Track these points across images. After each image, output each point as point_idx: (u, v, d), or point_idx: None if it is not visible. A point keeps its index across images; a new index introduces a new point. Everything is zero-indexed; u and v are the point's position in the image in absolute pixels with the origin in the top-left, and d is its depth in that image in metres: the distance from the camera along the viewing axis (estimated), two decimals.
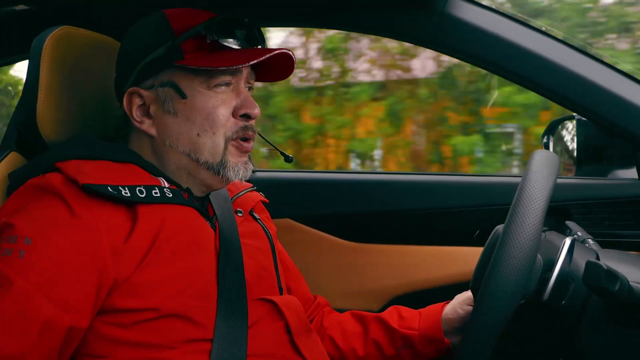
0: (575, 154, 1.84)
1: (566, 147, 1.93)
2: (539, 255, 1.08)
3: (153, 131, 1.23)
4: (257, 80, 1.31)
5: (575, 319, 1.09)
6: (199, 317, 1.12)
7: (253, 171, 1.96)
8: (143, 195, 1.14)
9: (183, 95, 1.20)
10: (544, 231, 1.16)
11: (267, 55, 1.19)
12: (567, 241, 1.09)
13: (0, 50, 1.67)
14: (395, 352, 1.40)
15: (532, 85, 1.51)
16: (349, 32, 1.55)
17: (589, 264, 0.97)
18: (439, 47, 1.53)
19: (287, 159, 1.41)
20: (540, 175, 1.02)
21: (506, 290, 0.96)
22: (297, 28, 6.29)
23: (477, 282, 1.26)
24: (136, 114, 1.23)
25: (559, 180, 1.78)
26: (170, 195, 1.18)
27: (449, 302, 1.42)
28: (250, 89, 1.28)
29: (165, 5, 1.26)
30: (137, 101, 1.23)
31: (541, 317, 1.13)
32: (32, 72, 1.26)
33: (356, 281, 1.85)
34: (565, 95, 1.48)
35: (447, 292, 1.66)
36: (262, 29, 1.28)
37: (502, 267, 0.97)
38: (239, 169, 1.23)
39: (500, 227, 1.19)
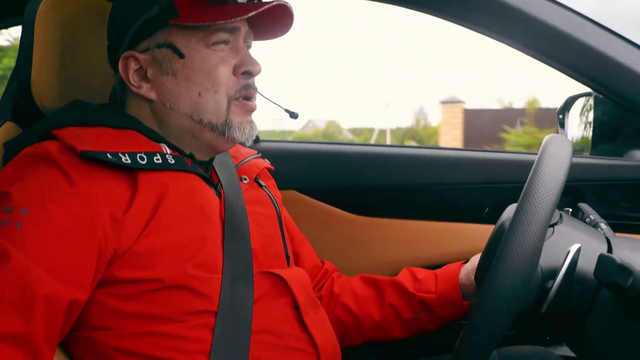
0: (590, 132, 1.80)
1: (581, 125, 1.88)
2: (539, 264, 1.03)
3: (152, 95, 1.20)
4: (255, 39, 1.28)
5: (582, 315, 1.06)
6: (203, 288, 1.10)
7: (259, 140, 1.94)
8: (144, 162, 1.11)
9: (181, 55, 1.17)
10: (554, 224, 1.11)
11: (266, 7, 1.16)
12: (573, 249, 1.04)
13: None
14: (414, 315, 1.38)
15: (545, 59, 1.46)
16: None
17: (601, 258, 0.94)
18: (450, 16, 1.46)
19: (293, 115, 1.38)
20: (547, 181, 0.97)
21: (502, 307, 0.93)
22: None
23: (481, 274, 1.23)
24: (133, 78, 1.20)
25: (573, 159, 1.74)
26: (173, 162, 1.16)
27: (464, 264, 1.39)
28: (248, 48, 1.25)
29: None
30: (133, 65, 1.20)
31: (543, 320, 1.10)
32: (26, 38, 1.24)
33: (364, 255, 1.83)
34: (582, 70, 1.44)
35: None
36: None
37: (501, 280, 0.93)
38: (245, 128, 1.21)
39: (507, 219, 1.15)
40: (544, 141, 1.06)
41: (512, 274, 0.92)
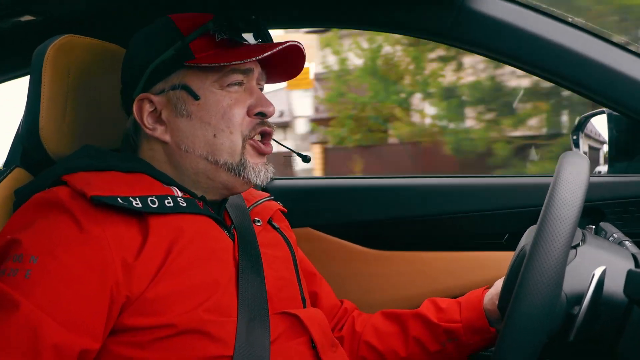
0: (606, 150, 1.77)
1: (597, 144, 1.86)
2: (563, 290, 0.99)
3: (167, 137, 1.20)
4: (266, 82, 1.29)
5: (613, 339, 1.01)
6: (218, 333, 1.07)
7: (271, 179, 1.93)
8: (155, 206, 1.10)
9: (196, 97, 1.17)
10: (576, 246, 1.07)
11: (280, 47, 1.17)
12: (598, 272, 1.00)
13: (6, 64, 1.65)
14: (440, 347, 1.35)
15: (558, 79, 1.44)
16: (363, 30, 1.51)
17: (630, 274, 0.90)
18: (459, 42, 1.47)
19: (305, 159, 1.38)
20: (565, 202, 0.93)
21: (526, 339, 0.89)
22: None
23: (504, 303, 1.19)
24: (147, 121, 1.20)
25: (591, 179, 1.70)
26: (184, 205, 1.14)
27: (487, 289, 1.36)
28: (260, 89, 1.26)
29: (170, 12, 1.24)
30: (147, 107, 1.20)
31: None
32: (34, 83, 1.23)
33: (382, 290, 1.80)
34: (594, 89, 1.42)
35: None
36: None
37: (524, 311, 0.89)
38: (260, 170, 1.21)
39: (527, 243, 1.11)
40: (559, 160, 1.03)
41: (535, 304, 0.88)
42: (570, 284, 1.00)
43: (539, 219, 0.94)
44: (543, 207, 0.94)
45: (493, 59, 1.49)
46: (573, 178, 0.97)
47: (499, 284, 1.33)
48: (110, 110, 1.31)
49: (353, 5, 1.51)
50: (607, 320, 1.00)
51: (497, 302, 1.28)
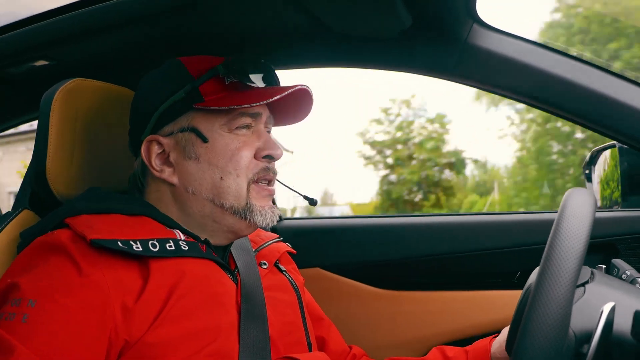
0: (619, 184, 1.74)
1: (609, 178, 1.83)
2: (571, 328, 0.97)
3: (174, 179, 1.20)
4: (274, 125, 1.30)
5: None
6: None
7: (280, 219, 1.92)
8: (156, 249, 1.09)
9: (204, 139, 1.18)
10: (584, 283, 1.05)
11: (289, 91, 1.18)
12: (607, 308, 0.97)
13: (17, 108, 1.67)
14: None
15: (567, 115, 1.43)
16: (363, 68, 1.52)
17: (637, 314, 0.87)
18: (464, 79, 1.47)
19: (312, 202, 1.38)
20: (569, 236, 0.91)
21: None
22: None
23: (510, 344, 1.16)
24: (155, 162, 1.21)
25: (604, 214, 1.68)
26: (186, 248, 1.13)
27: (495, 337, 1.34)
28: (268, 132, 1.26)
29: (177, 55, 1.25)
30: (155, 149, 1.20)
31: None
32: (42, 127, 1.25)
33: (392, 331, 1.77)
34: (603, 123, 1.41)
35: None
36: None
37: (529, 349, 0.86)
38: (266, 213, 1.20)
39: (533, 278, 1.09)
40: (564, 196, 1.01)
41: (541, 342, 0.85)
42: (579, 322, 0.97)
43: (543, 255, 0.92)
44: (548, 240, 0.92)
45: (498, 94, 1.49)
46: (578, 210, 0.95)
47: (506, 331, 1.31)
48: (117, 153, 1.32)
49: (358, 45, 1.52)
50: (621, 357, 0.97)
51: (504, 348, 1.25)
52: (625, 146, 1.66)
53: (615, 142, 1.71)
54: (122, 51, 1.49)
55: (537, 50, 1.43)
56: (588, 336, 0.96)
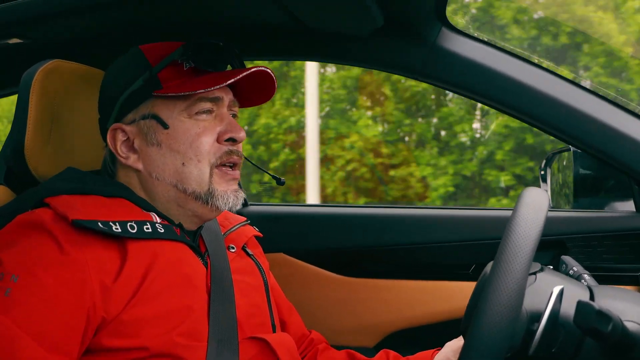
0: (571, 186, 1.82)
1: (563, 180, 1.91)
2: (524, 307, 1.04)
3: (139, 165, 1.22)
4: (240, 106, 1.30)
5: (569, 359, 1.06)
6: (189, 357, 1.09)
7: (247, 204, 1.95)
8: (134, 231, 1.12)
9: (165, 126, 1.20)
10: (535, 272, 1.12)
11: (245, 73, 1.19)
12: (556, 290, 1.04)
13: None
14: None
15: (524, 117, 1.49)
16: (335, 64, 1.55)
17: (579, 304, 0.94)
18: (429, 78, 1.52)
19: (279, 182, 1.40)
20: (525, 227, 0.98)
21: (488, 349, 0.92)
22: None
23: (466, 325, 1.23)
24: (121, 149, 1.22)
25: (556, 213, 1.76)
26: (162, 231, 1.16)
27: (439, 350, 1.39)
28: (234, 116, 1.27)
29: (154, 39, 1.26)
30: (120, 137, 1.22)
31: None
32: (21, 105, 1.26)
33: (351, 317, 1.82)
34: (559, 128, 1.47)
35: (444, 327, 1.63)
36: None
37: (484, 324, 0.92)
38: (228, 197, 1.22)
39: (489, 268, 1.16)
40: (520, 194, 1.08)
41: (498, 313, 0.92)
42: (530, 302, 1.04)
43: (501, 242, 0.97)
44: (504, 233, 0.98)
45: (464, 96, 1.54)
46: (534, 200, 1.01)
47: (450, 344, 1.37)
48: (94, 134, 1.33)
49: (332, 41, 1.55)
50: (564, 343, 1.04)
51: (451, 358, 1.32)
52: (579, 150, 1.74)
53: (570, 146, 1.80)
54: (99, 34, 1.50)
55: (500, 55, 1.48)
56: (538, 315, 1.03)
